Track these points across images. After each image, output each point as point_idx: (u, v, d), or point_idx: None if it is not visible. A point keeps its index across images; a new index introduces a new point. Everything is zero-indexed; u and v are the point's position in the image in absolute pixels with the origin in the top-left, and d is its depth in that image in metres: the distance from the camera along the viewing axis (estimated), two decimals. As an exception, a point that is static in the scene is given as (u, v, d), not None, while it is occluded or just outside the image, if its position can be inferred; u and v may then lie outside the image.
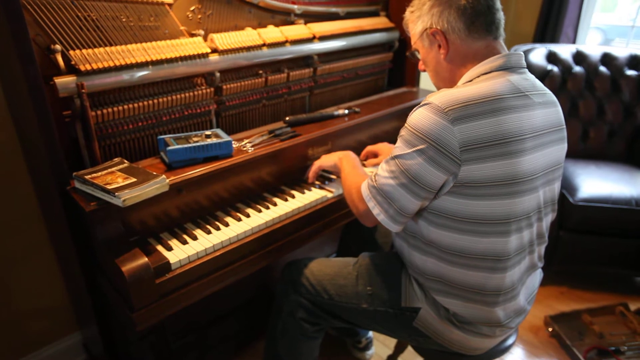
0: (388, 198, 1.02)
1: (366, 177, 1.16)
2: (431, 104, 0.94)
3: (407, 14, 1.14)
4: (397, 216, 1.03)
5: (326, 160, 1.43)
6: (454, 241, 1.02)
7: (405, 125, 1.00)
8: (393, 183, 1.00)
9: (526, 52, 2.53)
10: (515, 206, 0.97)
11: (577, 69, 2.52)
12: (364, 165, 1.60)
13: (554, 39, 2.79)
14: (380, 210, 1.04)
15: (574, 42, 2.87)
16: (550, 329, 1.97)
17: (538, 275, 1.20)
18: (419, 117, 0.95)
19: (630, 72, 2.46)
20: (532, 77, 1.05)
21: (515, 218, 0.99)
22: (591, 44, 3.10)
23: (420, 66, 1.18)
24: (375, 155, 1.61)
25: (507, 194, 0.95)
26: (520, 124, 0.95)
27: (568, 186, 2.16)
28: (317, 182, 1.50)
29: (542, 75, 2.49)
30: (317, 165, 1.45)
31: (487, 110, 0.92)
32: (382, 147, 1.59)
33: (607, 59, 2.52)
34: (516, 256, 1.04)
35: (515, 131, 0.94)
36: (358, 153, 1.70)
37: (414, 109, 0.99)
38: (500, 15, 1.05)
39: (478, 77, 1.02)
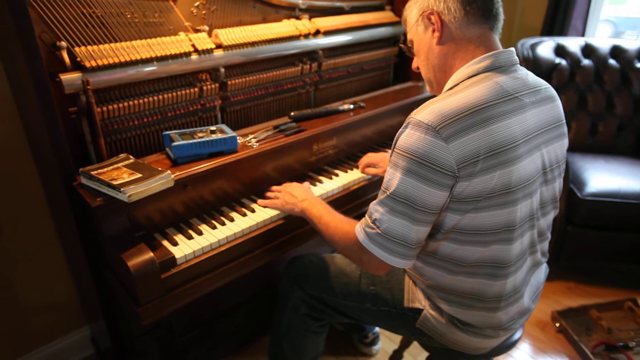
0: (400, 240, 0.93)
1: (348, 221, 1.09)
2: (419, 123, 0.88)
3: (406, 7, 1.10)
4: (411, 251, 0.95)
5: (289, 207, 1.27)
6: (453, 251, 0.99)
7: (396, 150, 0.93)
8: (400, 221, 0.92)
9: (534, 45, 2.50)
10: (515, 213, 0.94)
11: (586, 62, 2.48)
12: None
13: (563, 32, 2.75)
14: (394, 256, 0.95)
15: (583, 34, 2.83)
16: (557, 325, 1.96)
17: (543, 270, 1.18)
18: (410, 139, 0.89)
19: (641, 65, 2.43)
20: (524, 73, 1.00)
21: (518, 224, 0.96)
22: (601, 36, 3.05)
23: (414, 64, 1.14)
24: (373, 165, 1.53)
25: (505, 203, 0.92)
26: (511, 131, 0.91)
27: (576, 180, 2.14)
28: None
29: (550, 68, 2.46)
30: (275, 204, 1.31)
31: (476, 121, 0.88)
32: (382, 157, 1.52)
33: (616, 51, 2.48)
34: (518, 262, 1.02)
35: (507, 140, 0.90)
36: (364, 148, 1.70)
37: (401, 129, 0.93)
38: (500, 10, 1.00)
39: (464, 80, 0.97)
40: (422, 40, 1.06)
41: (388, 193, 0.93)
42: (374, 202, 0.98)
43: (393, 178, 0.93)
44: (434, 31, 1.01)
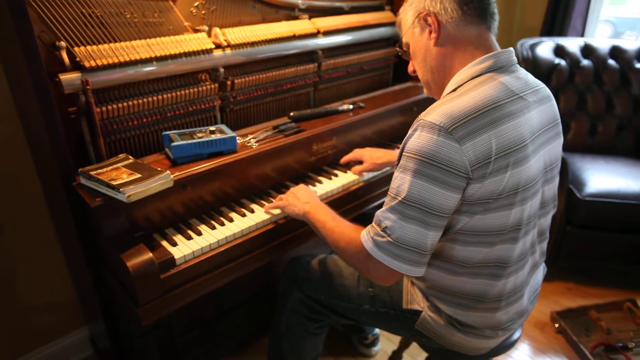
0: (414, 247, 0.90)
1: (354, 227, 1.05)
2: (430, 125, 0.87)
3: (400, 10, 1.09)
4: (424, 258, 0.93)
5: (290, 208, 1.24)
6: (457, 252, 0.98)
7: (405, 153, 0.90)
8: (413, 227, 0.89)
9: (533, 46, 2.50)
10: (523, 213, 0.95)
11: (585, 62, 2.49)
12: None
13: (562, 32, 2.76)
14: (410, 265, 0.92)
15: (582, 35, 2.83)
16: (556, 325, 1.96)
17: (541, 271, 1.19)
18: (422, 141, 0.87)
19: (640, 65, 2.43)
20: (524, 73, 1.01)
21: (524, 223, 0.97)
22: (600, 37, 3.06)
23: (410, 68, 1.12)
24: (359, 161, 1.54)
25: (512, 203, 0.92)
26: (519, 130, 0.90)
27: (575, 181, 2.14)
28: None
29: (550, 69, 2.46)
30: (279, 205, 1.29)
31: (487, 122, 0.87)
32: (366, 152, 1.52)
33: (616, 52, 2.49)
34: (519, 261, 1.02)
35: (517, 140, 0.89)
36: (363, 147, 1.70)
37: (410, 132, 0.91)
38: (495, 9, 1.00)
39: (467, 82, 0.96)
40: (419, 42, 1.05)
41: (399, 199, 0.90)
42: (382, 209, 0.94)
43: (403, 183, 0.90)
44: (430, 32, 1.01)
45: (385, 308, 1.19)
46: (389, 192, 0.94)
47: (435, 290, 1.08)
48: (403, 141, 0.93)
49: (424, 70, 1.07)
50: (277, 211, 1.32)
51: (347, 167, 1.59)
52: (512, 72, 0.98)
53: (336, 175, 1.54)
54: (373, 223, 0.97)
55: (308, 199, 1.24)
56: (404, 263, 0.92)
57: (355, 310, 1.24)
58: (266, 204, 1.36)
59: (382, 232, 0.93)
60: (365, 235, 0.97)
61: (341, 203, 1.47)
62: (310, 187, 1.46)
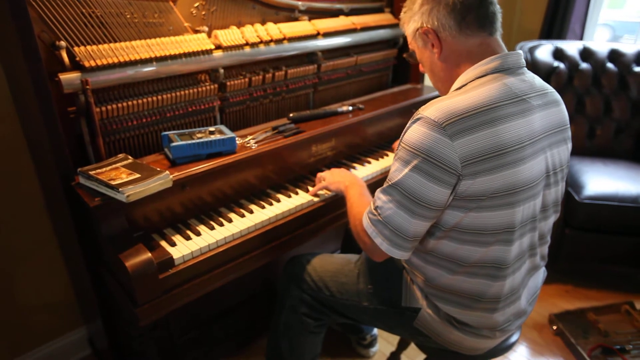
0: (397, 230, 0.96)
1: (367, 204, 1.10)
2: (426, 119, 0.90)
3: (402, 15, 1.10)
4: (407, 243, 0.98)
5: (333, 184, 1.35)
6: (454, 250, 0.99)
7: (401, 144, 0.95)
8: (399, 212, 0.95)
9: (532, 49, 2.51)
10: (517, 215, 0.95)
11: (584, 65, 2.49)
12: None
13: (561, 36, 2.77)
14: (390, 245, 0.98)
15: (581, 38, 2.84)
16: (554, 327, 1.96)
17: (541, 274, 1.19)
18: (416, 134, 0.91)
19: (639, 69, 2.43)
20: (531, 76, 1.01)
21: (518, 226, 0.97)
22: (599, 40, 3.07)
23: (422, 68, 1.14)
24: None
25: (508, 204, 0.93)
26: (517, 132, 0.91)
27: (574, 184, 2.15)
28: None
29: (549, 72, 2.47)
30: (323, 185, 1.39)
31: (483, 121, 0.89)
32: None
33: (614, 55, 2.49)
34: (516, 262, 1.02)
35: (513, 141, 0.90)
36: (362, 149, 1.71)
37: (408, 124, 0.95)
38: (495, 9, 1.00)
39: (472, 81, 0.97)
40: (424, 55, 1.08)
41: (390, 183, 0.96)
42: (379, 189, 1.01)
43: (397, 170, 0.95)
44: (433, 46, 1.02)
45: (384, 305, 1.19)
46: (388, 175, 0.99)
47: (434, 288, 1.08)
48: (403, 130, 0.96)
49: (433, 79, 1.11)
50: (276, 212, 1.32)
51: (346, 168, 1.59)
52: (518, 74, 0.98)
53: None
54: (372, 201, 1.04)
55: (350, 177, 1.33)
56: (385, 242, 0.99)
57: (354, 307, 1.24)
58: (265, 204, 1.36)
59: (374, 211, 1.00)
60: (365, 212, 1.06)
61: (340, 205, 1.47)
62: (309, 188, 1.46)
